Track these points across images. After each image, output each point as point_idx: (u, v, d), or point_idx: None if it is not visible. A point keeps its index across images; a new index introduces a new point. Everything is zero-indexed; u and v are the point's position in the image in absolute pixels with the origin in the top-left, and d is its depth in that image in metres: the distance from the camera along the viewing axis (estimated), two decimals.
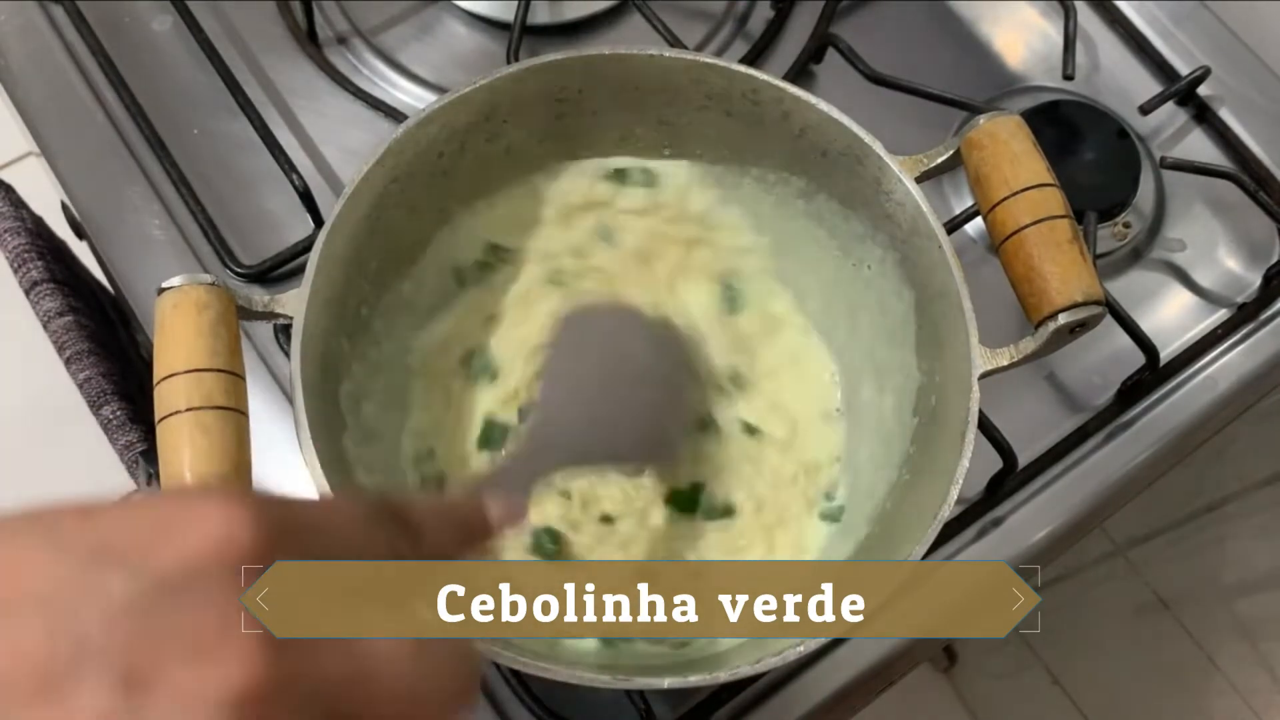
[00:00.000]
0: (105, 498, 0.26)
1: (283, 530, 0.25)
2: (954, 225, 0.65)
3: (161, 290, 0.44)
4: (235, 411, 0.43)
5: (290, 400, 0.47)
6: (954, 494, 0.46)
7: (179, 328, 0.43)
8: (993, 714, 1.34)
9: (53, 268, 0.73)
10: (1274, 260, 0.68)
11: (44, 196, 0.78)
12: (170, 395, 0.42)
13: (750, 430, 0.58)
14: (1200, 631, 1.32)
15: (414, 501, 0.32)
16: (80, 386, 0.70)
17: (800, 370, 0.60)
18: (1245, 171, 0.69)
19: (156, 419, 0.42)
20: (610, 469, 0.54)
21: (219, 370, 0.43)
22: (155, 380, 0.42)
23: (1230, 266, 0.69)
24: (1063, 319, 0.47)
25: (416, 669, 0.26)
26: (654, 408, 0.52)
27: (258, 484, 0.44)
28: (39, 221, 0.78)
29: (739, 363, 0.59)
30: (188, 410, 0.41)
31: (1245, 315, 0.67)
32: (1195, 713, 1.33)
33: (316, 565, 0.26)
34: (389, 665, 0.26)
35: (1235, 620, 1.30)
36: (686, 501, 0.56)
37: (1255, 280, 0.68)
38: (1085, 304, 0.47)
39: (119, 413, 0.69)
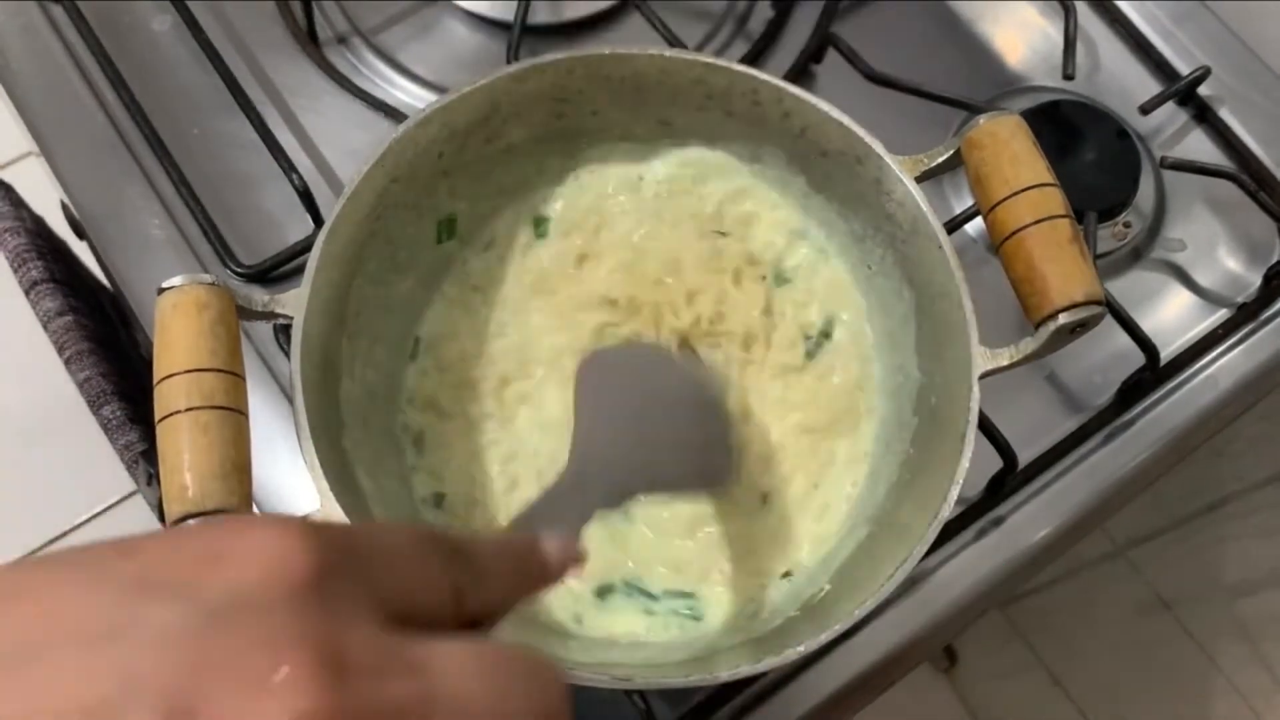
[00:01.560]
0: (149, 532, 0.25)
1: (338, 555, 0.24)
2: (954, 225, 0.65)
3: (161, 290, 0.44)
4: (235, 411, 0.43)
5: (290, 400, 0.46)
6: (954, 494, 0.46)
7: (179, 327, 0.43)
8: (993, 714, 1.34)
9: (52, 267, 0.73)
10: (1274, 260, 0.68)
11: (44, 196, 0.78)
12: (170, 395, 0.42)
13: None
14: (1201, 632, 1.32)
15: (472, 536, 0.30)
16: (80, 386, 0.70)
17: None
18: (1245, 171, 0.69)
19: (156, 419, 0.42)
20: (663, 496, 0.53)
21: (219, 370, 0.43)
22: (155, 380, 0.42)
23: (1230, 266, 0.69)
24: (1063, 319, 0.47)
25: (491, 689, 0.24)
26: (696, 431, 0.50)
27: (257, 484, 0.44)
28: (39, 221, 0.78)
29: None
30: (187, 410, 0.41)
31: (1246, 315, 0.67)
32: (1196, 713, 1.32)
33: (374, 589, 0.24)
34: (460, 685, 0.24)
35: (1236, 620, 1.30)
36: None
37: (1255, 280, 0.68)
38: (1085, 304, 0.46)
39: (119, 412, 0.69)
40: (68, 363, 0.71)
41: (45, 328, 0.72)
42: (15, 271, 0.74)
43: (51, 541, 1.37)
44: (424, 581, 0.26)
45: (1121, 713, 1.33)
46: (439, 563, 0.27)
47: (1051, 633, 1.34)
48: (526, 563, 0.32)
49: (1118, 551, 1.24)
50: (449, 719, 0.23)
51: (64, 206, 0.71)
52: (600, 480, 0.42)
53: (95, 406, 0.69)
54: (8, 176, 0.78)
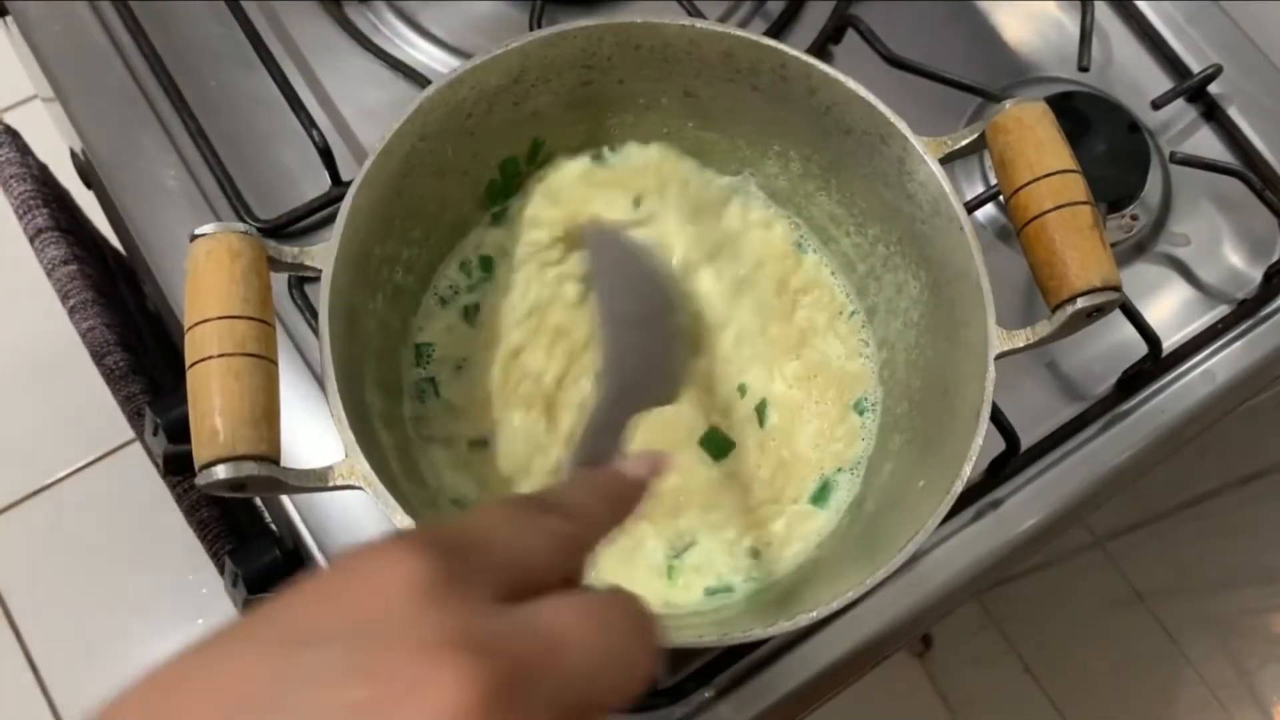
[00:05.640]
0: (281, 594, 0.27)
1: (445, 558, 0.26)
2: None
3: (195, 236, 0.44)
4: (266, 359, 0.43)
5: (304, 355, 0.47)
6: (967, 470, 0.47)
7: (212, 274, 0.43)
8: (964, 699, 1.36)
9: (58, 216, 0.73)
10: (1275, 258, 0.69)
11: (47, 143, 0.78)
12: (202, 340, 0.42)
13: None
14: (1172, 624, 1.35)
15: (553, 488, 0.33)
16: (84, 336, 0.70)
17: None
18: (1251, 169, 0.70)
19: (187, 364, 0.42)
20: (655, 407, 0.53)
21: (250, 318, 0.43)
22: (187, 325, 0.42)
23: (1232, 263, 0.70)
24: (1081, 303, 0.47)
25: (601, 632, 0.28)
26: (671, 343, 0.51)
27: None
28: (44, 168, 0.77)
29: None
30: (220, 356, 0.42)
31: (1245, 311, 0.68)
32: (1163, 703, 1.35)
33: (484, 576, 0.27)
34: (575, 634, 0.27)
35: (1207, 615, 1.32)
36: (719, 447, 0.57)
37: (1256, 277, 0.69)
38: (1104, 289, 0.47)
39: (121, 363, 0.69)
40: (71, 311, 0.70)
41: (49, 276, 0.72)
42: (20, 219, 0.73)
43: (46, 487, 1.36)
44: (527, 551, 0.29)
45: (1090, 702, 1.36)
46: (536, 528, 0.30)
47: (1025, 620, 1.36)
48: (615, 486, 0.35)
49: (1096, 543, 1.26)
50: (574, 663, 0.26)
51: (74, 154, 0.70)
52: (632, 392, 0.44)
53: (98, 356, 0.69)
54: (11, 120, 0.77)
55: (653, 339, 0.48)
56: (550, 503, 0.31)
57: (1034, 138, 0.49)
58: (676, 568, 0.54)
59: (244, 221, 0.62)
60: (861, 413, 0.58)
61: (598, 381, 0.45)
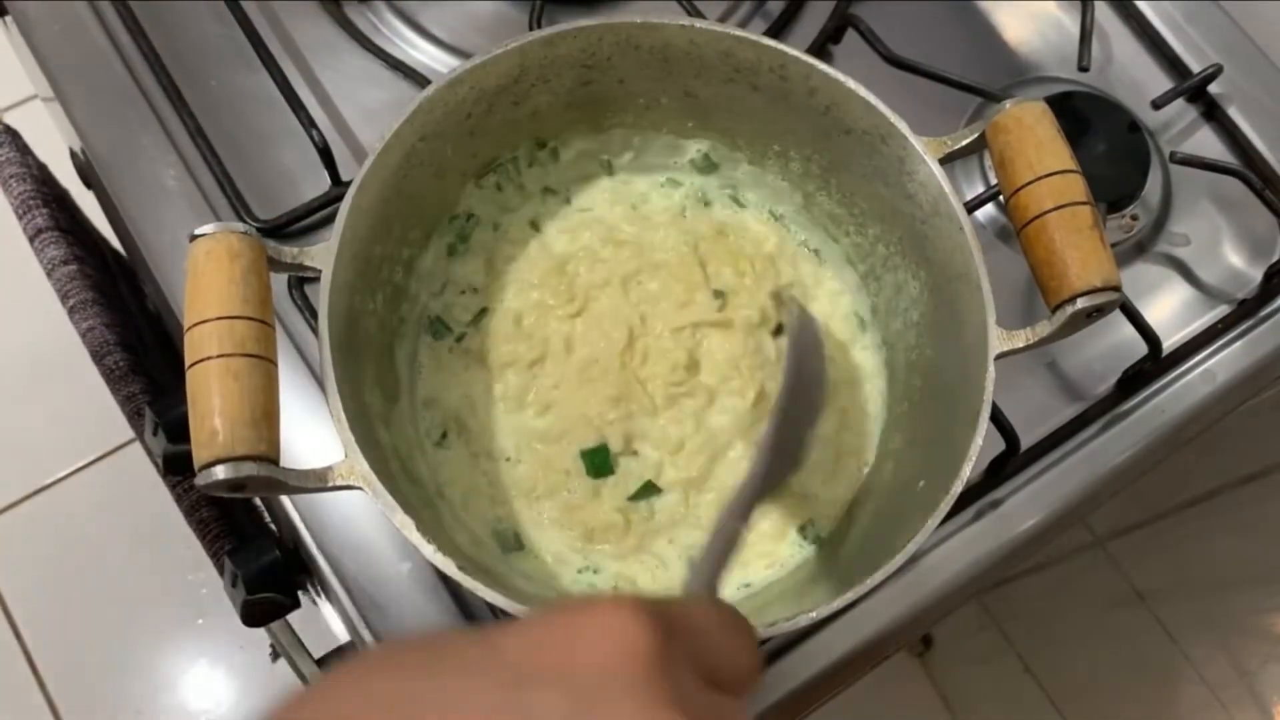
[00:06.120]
0: (499, 625, 0.29)
1: (667, 632, 0.28)
2: None
3: (194, 237, 0.44)
4: (265, 360, 0.43)
5: (304, 357, 0.47)
6: (967, 470, 0.47)
7: (211, 274, 0.43)
8: (964, 699, 1.36)
9: (57, 216, 0.73)
10: (1275, 258, 0.69)
11: (46, 144, 0.78)
12: (202, 341, 0.42)
13: None
14: (1173, 625, 1.35)
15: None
16: (84, 336, 0.70)
17: None
18: (1251, 169, 0.70)
19: (187, 364, 0.42)
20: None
21: (250, 318, 0.43)
22: (186, 326, 0.42)
23: (1232, 263, 0.70)
24: (1081, 303, 0.47)
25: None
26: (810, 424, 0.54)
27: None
28: (44, 168, 0.77)
29: None
30: (219, 356, 0.41)
31: (1245, 311, 0.68)
32: (1163, 704, 1.35)
33: (693, 659, 0.29)
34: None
35: (1208, 615, 1.33)
36: None
37: (1256, 277, 0.69)
38: (1104, 289, 0.47)
39: (121, 363, 0.69)
40: (71, 311, 0.70)
41: (49, 276, 0.72)
42: (20, 219, 0.73)
43: (46, 487, 1.36)
44: (731, 656, 0.32)
45: (1090, 702, 1.36)
46: (743, 641, 0.33)
47: (1025, 620, 1.36)
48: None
49: (1097, 543, 1.26)
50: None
51: (74, 154, 0.70)
52: (777, 472, 0.47)
53: (98, 356, 0.69)
54: (11, 120, 0.77)
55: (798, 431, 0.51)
56: (746, 623, 0.34)
57: (1034, 138, 0.49)
58: None
59: (244, 221, 0.62)
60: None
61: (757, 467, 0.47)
